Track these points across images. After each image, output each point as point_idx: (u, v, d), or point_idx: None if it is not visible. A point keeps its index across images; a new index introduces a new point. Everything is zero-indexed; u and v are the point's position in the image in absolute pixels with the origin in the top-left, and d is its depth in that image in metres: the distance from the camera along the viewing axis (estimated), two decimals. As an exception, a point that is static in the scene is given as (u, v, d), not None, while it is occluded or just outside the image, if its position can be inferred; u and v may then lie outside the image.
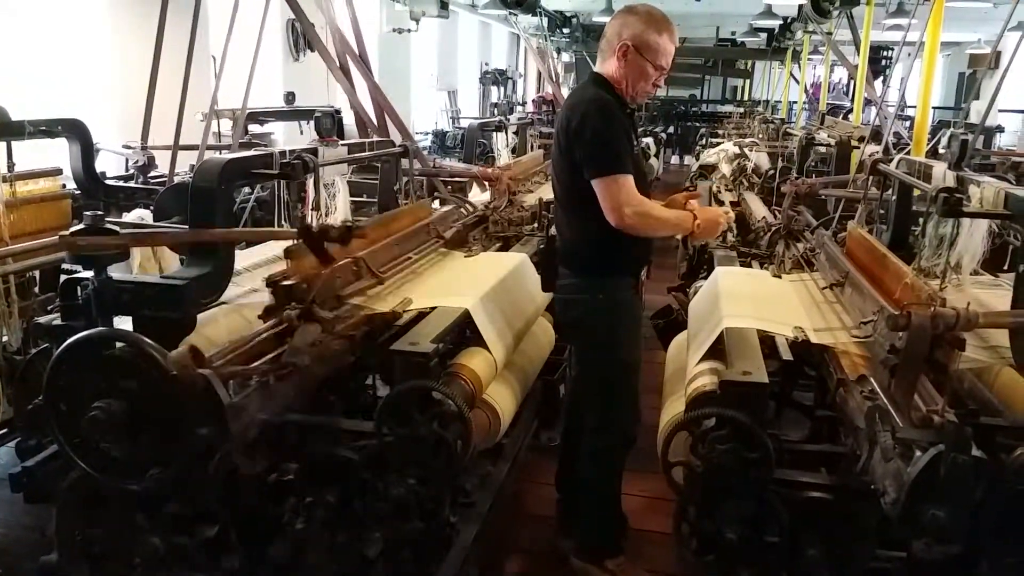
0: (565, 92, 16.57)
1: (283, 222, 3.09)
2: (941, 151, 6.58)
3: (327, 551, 2.29)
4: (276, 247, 2.96)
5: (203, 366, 1.78)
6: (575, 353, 2.83)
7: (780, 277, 2.91)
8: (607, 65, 2.57)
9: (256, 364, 1.95)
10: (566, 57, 18.45)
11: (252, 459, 2.03)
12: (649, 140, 10.08)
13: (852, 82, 14.34)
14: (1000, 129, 7.93)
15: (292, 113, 5.78)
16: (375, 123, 5.05)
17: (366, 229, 2.60)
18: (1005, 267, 2.48)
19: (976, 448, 1.49)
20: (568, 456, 2.99)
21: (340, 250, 2.27)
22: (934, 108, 6.69)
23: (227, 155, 2.42)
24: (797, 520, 1.90)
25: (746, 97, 18.52)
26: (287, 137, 6.81)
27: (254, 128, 5.55)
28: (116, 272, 2.03)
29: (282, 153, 2.46)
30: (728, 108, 11.24)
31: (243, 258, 2.68)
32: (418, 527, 2.05)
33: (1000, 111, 5.29)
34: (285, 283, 2.16)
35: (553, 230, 2.76)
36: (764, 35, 13.97)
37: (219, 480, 2.02)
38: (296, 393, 2.12)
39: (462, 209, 3.85)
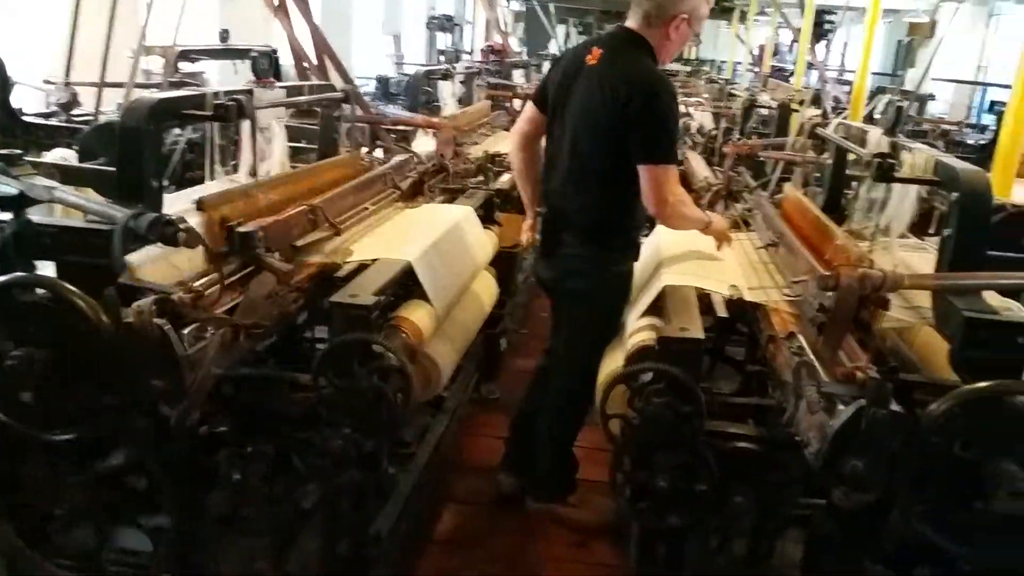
0: (514, 42, 16.41)
1: (215, 166, 3.01)
2: (877, 116, 6.75)
3: (263, 503, 2.29)
4: (207, 192, 2.89)
5: (163, 316, 1.74)
6: (567, 317, 2.80)
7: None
8: (652, 31, 2.51)
9: (214, 314, 1.92)
10: (516, 5, 18.20)
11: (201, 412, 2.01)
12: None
13: (796, 45, 14.50)
14: (932, 97, 8.14)
15: (226, 52, 5.57)
16: (315, 66, 4.92)
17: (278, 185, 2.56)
18: (931, 231, 2.58)
19: (895, 403, 1.56)
20: (532, 406, 3.01)
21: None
22: (873, 74, 6.81)
23: (157, 94, 2.33)
24: (726, 469, 1.98)
25: (693, 56, 18.58)
26: (221, 78, 6.58)
27: (185, 67, 5.34)
28: (37, 215, 1.96)
29: (215, 94, 2.38)
30: (675, 67, 11.27)
31: (170, 202, 2.60)
32: (356, 478, 2.06)
33: (933, 79, 5.41)
34: (241, 229, 2.12)
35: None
36: (712, -7, 13.94)
37: (152, 432, 2.00)
38: (249, 346, 2.09)
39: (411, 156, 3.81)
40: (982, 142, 6.17)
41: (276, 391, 2.19)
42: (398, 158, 3.55)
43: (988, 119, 8.41)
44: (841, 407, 1.55)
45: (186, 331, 1.82)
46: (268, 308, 2.11)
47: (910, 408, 1.65)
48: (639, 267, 2.87)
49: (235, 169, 2.96)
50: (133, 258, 2.13)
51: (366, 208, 2.88)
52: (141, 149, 2.05)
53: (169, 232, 1.86)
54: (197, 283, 1.96)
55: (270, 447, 2.22)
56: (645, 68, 2.49)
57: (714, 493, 1.96)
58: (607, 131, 2.48)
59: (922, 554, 1.78)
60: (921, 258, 2.36)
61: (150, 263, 2.28)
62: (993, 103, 8.39)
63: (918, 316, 2.05)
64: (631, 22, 2.56)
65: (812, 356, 1.78)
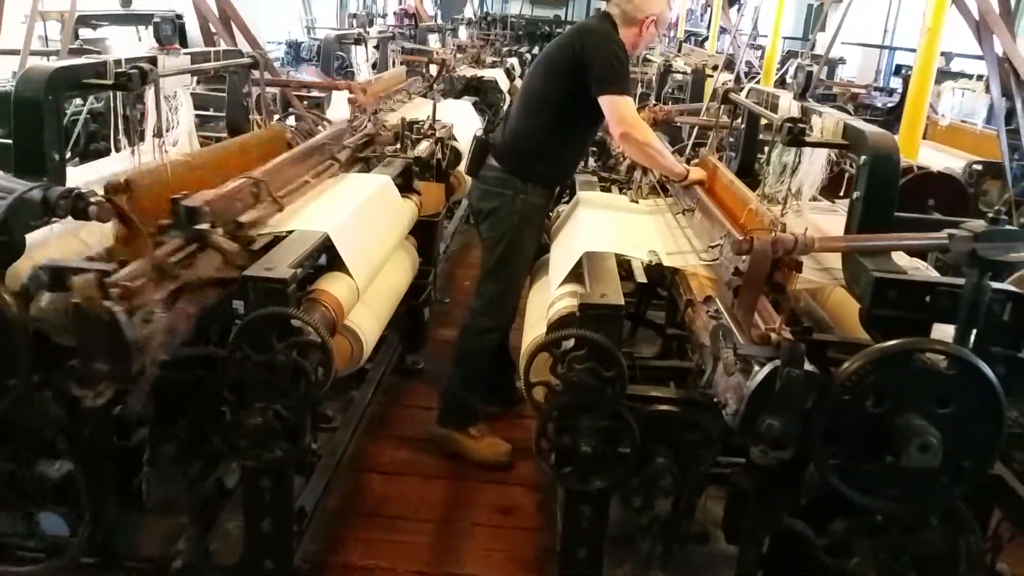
0: (428, 6, 16.10)
1: (120, 137, 2.86)
2: (789, 80, 6.91)
3: (182, 483, 2.23)
4: (113, 164, 2.75)
5: (108, 297, 1.65)
6: (483, 238, 3.06)
7: (637, 202, 3.00)
8: (624, 24, 2.88)
9: (163, 299, 1.82)
10: (428, -32, 17.82)
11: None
12: (514, 60, 9.98)
13: (709, 9, 14.67)
14: (842, 61, 8.36)
15: (128, 17, 5.30)
16: (221, 28, 4.71)
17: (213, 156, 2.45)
18: (841, 193, 2.65)
19: (808, 362, 1.61)
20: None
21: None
22: (784, 38, 6.96)
23: (55, 62, 2.19)
24: (647, 432, 2.01)
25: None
26: (123, 46, 6.25)
27: (85, 33, 5.06)
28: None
29: (117, 62, 2.25)
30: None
31: (76, 175, 2.47)
32: (277, 455, 2.01)
33: (843, 43, 5.57)
34: (187, 203, 2.01)
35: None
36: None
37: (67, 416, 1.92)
38: (191, 326, 1.99)
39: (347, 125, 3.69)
40: (890, 104, 6.38)
41: (192, 369, 2.11)
42: (333, 129, 3.45)
43: (896, 82, 8.70)
44: (756, 368, 1.59)
45: (136, 315, 1.72)
46: (212, 289, 2.02)
47: (824, 367, 1.71)
48: (557, 233, 2.90)
49: (141, 139, 2.82)
50: (37, 235, 2.02)
51: (307, 182, 2.78)
52: (40, 120, 1.93)
53: (81, 206, 1.75)
54: (135, 264, 1.84)
55: (188, 426, 2.17)
56: (602, 27, 2.88)
57: (636, 455, 1.99)
58: (562, 69, 2.83)
59: (837, 507, 1.85)
60: (832, 220, 2.43)
61: (56, 240, 2.17)
62: (899, 67, 8.69)
63: (830, 277, 2.11)
64: (609, 9, 2.94)
65: (728, 319, 1.82)
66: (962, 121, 4.69)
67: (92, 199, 1.82)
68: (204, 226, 2.05)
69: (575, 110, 2.85)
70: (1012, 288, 1.70)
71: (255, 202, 2.39)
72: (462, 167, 3.61)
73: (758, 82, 5.33)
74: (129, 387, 1.80)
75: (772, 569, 2.02)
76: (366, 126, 3.80)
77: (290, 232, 2.34)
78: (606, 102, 2.71)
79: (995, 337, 1.70)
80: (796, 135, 2.05)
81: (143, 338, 1.71)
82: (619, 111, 2.70)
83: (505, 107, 3.21)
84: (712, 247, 2.21)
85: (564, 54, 2.84)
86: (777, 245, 1.69)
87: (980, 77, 4.25)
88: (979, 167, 3.47)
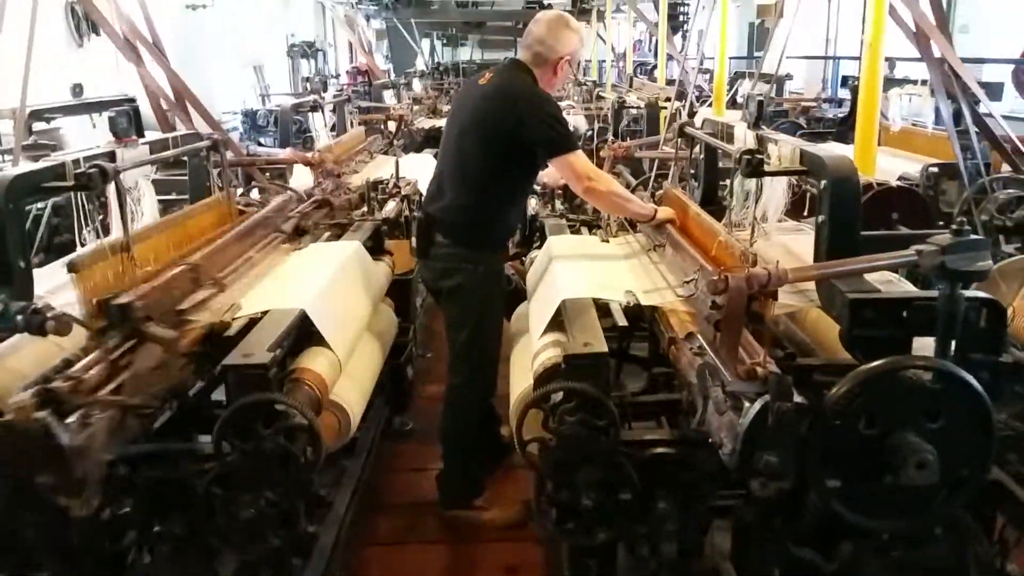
0: (379, 60, 16.28)
1: (84, 234, 2.84)
2: (740, 100, 7.04)
3: (179, 579, 2.17)
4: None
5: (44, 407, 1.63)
6: (446, 316, 2.99)
7: (608, 241, 3.01)
8: (539, 69, 2.83)
9: (99, 396, 1.79)
10: (376, 24, 18.04)
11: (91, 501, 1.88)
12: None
13: (653, 39, 14.95)
14: (789, 77, 8.54)
15: (82, 107, 5.27)
16: (177, 109, 4.71)
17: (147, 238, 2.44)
18: (805, 212, 2.70)
19: (797, 392, 1.61)
20: None
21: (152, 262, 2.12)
22: (730, 58, 7.11)
23: (12, 170, 2.18)
24: (646, 476, 2.00)
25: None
26: (78, 132, 6.22)
27: (38, 126, 5.02)
28: None
29: (76, 162, 2.24)
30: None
31: (44, 276, 2.44)
32: (275, 544, 1.97)
33: (788, 58, 5.68)
34: (117, 302, 1.99)
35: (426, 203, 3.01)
36: (569, -3, 14.29)
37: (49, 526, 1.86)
38: (141, 424, 1.97)
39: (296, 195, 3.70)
40: (841, 115, 6.52)
41: (178, 464, 2.07)
42: (277, 199, 3.45)
43: (844, 91, 8.90)
44: (747, 405, 1.59)
45: (71, 419, 1.70)
46: (158, 380, 2.00)
47: (813, 391, 1.72)
48: (533, 281, 2.90)
49: (106, 232, 2.80)
50: (10, 341, 1.99)
51: (250, 258, 2.77)
52: (3, 230, 1.91)
53: (36, 321, 1.73)
54: (76, 366, 1.83)
55: (179, 524, 2.12)
56: (522, 83, 2.80)
57: (638, 502, 1.98)
58: (493, 137, 2.75)
59: (844, 531, 1.84)
60: (801, 240, 2.46)
61: (29, 343, 2.13)
62: (845, 78, 8.89)
63: (806, 300, 2.13)
64: (521, 56, 2.89)
65: (713, 356, 1.82)
66: (912, 124, 4.80)
67: (49, 313, 1.80)
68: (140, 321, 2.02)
69: (519, 177, 2.88)
70: (985, 295, 1.72)
71: (194, 287, 2.37)
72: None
73: (710, 106, 5.42)
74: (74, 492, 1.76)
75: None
76: (326, 192, 3.81)
77: (265, 312, 2.33)
78: (560, 164, 2.70)
79: (975, 344, 1.72)
80: (755, 166, 2.08)
81: (80, 444, 1.68)
82: (576, 169, 2.69)
83: (436, 177, 3.02)
84: (687, 282, 2.23)
85: (498, 129, 2.73)
86: (752, 281, 1.70)
87: (924, 82, 4.36)
88: (935, 169, 3.55)
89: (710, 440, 1.73)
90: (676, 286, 2.34)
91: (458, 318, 2.91)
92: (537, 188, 4.17)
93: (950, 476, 1.66)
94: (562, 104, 6.39)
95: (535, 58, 2.83)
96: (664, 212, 2.78)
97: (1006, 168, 3.38)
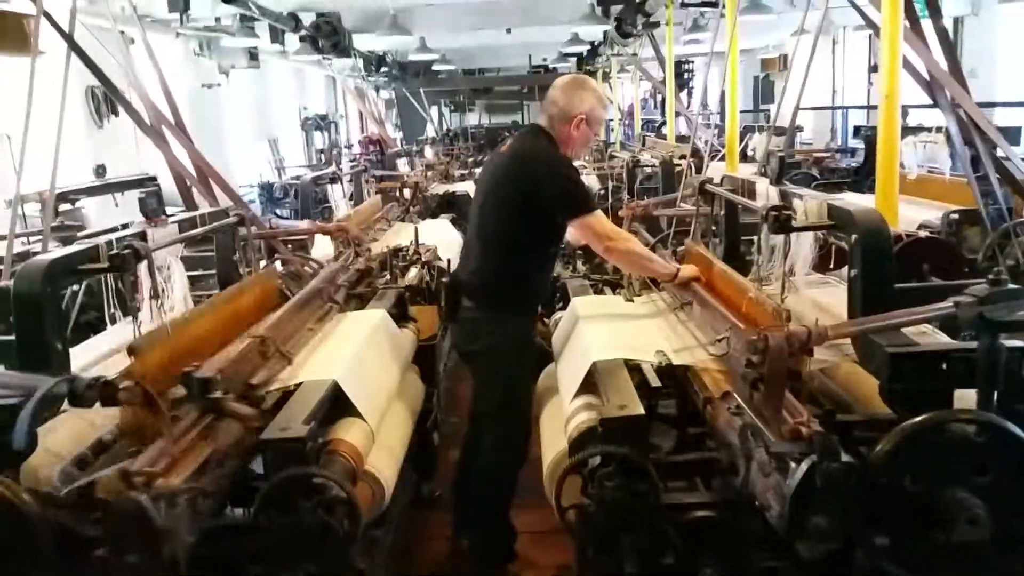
0: (390, 129, 16.61)
1: (115, 311, 2.87)
2: (750, 153, 7.11)
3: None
4: (108, 339, 2.75)
5: (133, 488, 1.63)
6: (477, 379, 2.98)
7: (632, 300, 3.02)
8: (556, 128, 2.83)
9: (188, 479, 1.79)
10: (385, 95, 18.45)
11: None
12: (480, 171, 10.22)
13: (658, 96, 15.19)
14: (800, 129, 8.63)
15: (106, 187, 5.39)
16: (200, 187, 4.82)
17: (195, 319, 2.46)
18: (831, 265, 2.70)
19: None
20: (466, 481, 3.12)
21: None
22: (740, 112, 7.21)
23: (49, 255, 2.22)
24: (687, 539, 1.96)
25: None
26: (99, 210, 6.34)
27: (63, 206, 5.13)
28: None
29: (109, 244, 2.29)
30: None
31: (77, 357, 2.46)
32: (316, 620, 1.94)
33: (796, 108, 5.77)
34: (199, 375, 2.00)
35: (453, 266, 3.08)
36: (574, 59, 14.63)
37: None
38: (217, 503, 1.96)
39: (307, 266, 3.74)
40: (854, 164, 6.56)
41: (216, 537, 2.05)
42: (328, 269, 3.50)
43: (853, 142, 8.99)
44: (793, 466, 1.57)
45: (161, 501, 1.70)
46: (235, 459, 2.00)
47: (852, 448, 1.70)
48: (559, 342, 2.90)
49: (134, 313, 2.83)
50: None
51: (311, 328, 2.80)
52: (40, 313, 1.94)
53: (109, 392, 1.75)
54: (155, 447, 1.83)
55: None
56: (539, 146, 2.83)
57: (681, 567, 1.94)
58: (510, 201, 2.77)
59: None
60: (829, 293, 2.46)
61: (60, 425, 2.14)
62: (857, 128, 8.97)
63: (840, 354, 2.12)
64: (540, 121, 2.91)
65: (753, 416, 1.81)
66: (928, 171, 4.83)
67: (121, 385, 1.81)
68: (217, 395, 2.03)
69: (540, 239, 2.85)
70: (1025, 344, 1.71)
71: (264, 361, 2.39)
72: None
73: (721, 159, 5.47)
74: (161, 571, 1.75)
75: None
76: (357, 261, 3.85)
77: (298, 385, 2.34)
78: (580, 226, 2.72)
79: (1018, 395, 1.70)
80: (783, 222, 2.10)
81: (170, 523, 1.68)
82: (595, 230, 2.70)
83: (464, 244, 3.07)
84: (719, 340, 2.22)
85: (515, 192, 2.76)
86: (792, 339, 1.70)
87: (939, 129, 4.40)
88: (956, 215, 3.55)
89: (756, 503, 1.70)
90: (707, 344, 2.33)
91: (486, 380, 2.91)
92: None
93: (1001, 531, 1.63)
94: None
95: (551, 120, 2.85)
96: (688, 270, 2.78)
97: (1028, 212, 3.39)
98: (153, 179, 5.04)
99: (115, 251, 2.23)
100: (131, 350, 2.07)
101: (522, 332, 2.90)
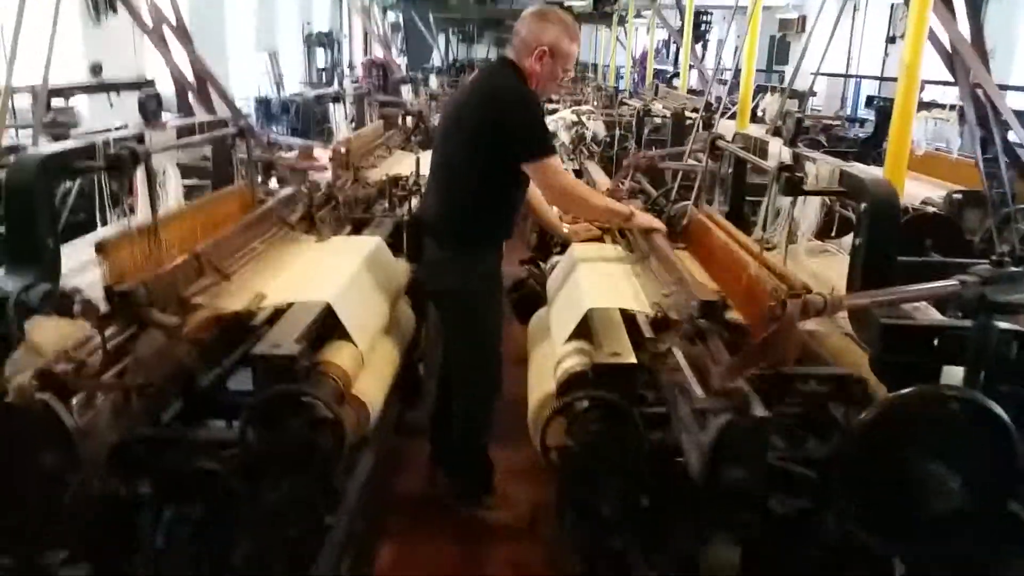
0: (394, 54, 16.26)
1: (108, 213, 2.84)
2: (760, 113, 7.03)
3: (190, 563, 2.18)
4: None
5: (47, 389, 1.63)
6: (444, 320, 2.97)
7: (632, 251, 3.01)
8: (522, 61, 2.72)
9: (102, 379, 1.81)
10: (392, 17, 18.03)
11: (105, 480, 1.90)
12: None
13: (673, 46, 14.92)
14: (814, 93, 8.53)
15: (102, 87, 5.27)
16: (200, 95, 4.72)
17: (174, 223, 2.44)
18: (832, 234, 2.70)
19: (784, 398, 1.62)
20: (442, 416, 3.18)
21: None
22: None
23: (44, 149, 2.18)
24: (664, 488, 1.99)
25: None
26: (91, 110, 6.20)
27: (56, 103, 5.02)
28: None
29: (106, 143, 2.24)
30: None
31: (69, 255, 2.44)
32: (293, 534, 1.98)
33: (811, 74, 5.68)
34: (120, 289, 2.00)
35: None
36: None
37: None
38: (146, 406, 1.98)
39: (302, 188, 3.69)
40: (862, 136, 6.51)
41: (198, 449, 2.07)
42: (283, 192, 3.45)
43: (863, 112, 8.89)
44: (711, 422, 1.59)
45: (74, 400, 1.73)
46: (161, 365, 2.01)
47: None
48: (555, 287, 2.90)
49: (126, 214, 2.80)
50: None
51: (254, 248, 2.76)
52: (33, 208, 1.91)
53: (65, 305, 1.74)
54: (78, 349, 1.85)
55: (196, 507, 2.12)
56: (509, 81, 2.72)
57: (655, 510, 1.98)
58: (473, 136, 2.68)
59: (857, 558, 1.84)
60: (828, 261, 2.46)
61: (49, 322, 2.14)
62: (870, 98, 8.87)
63: (831, 324, 2.13)
64: (509, 53, 2.81)
65: (688, 372, 1.82)
66: (936, 149, 4.80)
67: (76, 298, 1.81)
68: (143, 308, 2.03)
69: (505, 172, 2.72)
70: (1018, 327, 1.72)
71: (198, 275, 2.37)
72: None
73: (731, 118, 5.41)
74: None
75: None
76: (345, 185, 3.81)
77: (290, 305, 2.33)
78: (534, 169, 2.65)
79: (1004, 376, 1.72)
80: (795, 184, 2.08)
81: (84, 426, 1.70)
82: (548, 177, 2.66)
83: (427, 181, 3.02)
84: (666, 296, 2.22)
85: (479, 123, 2.67)
86: (808, 307, 1.70)
87: (952, 107, 4.36)
88: (959, 196, 3.55)
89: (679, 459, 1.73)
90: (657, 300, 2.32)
91: (453, 320, 2.91)
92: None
93: (972, 505, 1.67)
94: (582, 109, 6.39)
95: (515, 52, 2.75)
96: (644, 217, 2.79)
97: (1031, 199, 3.38)
98: (151, 83, 4.93)
99: (113, 151, 2.19)
100: (99, 247, 2.07)
101: (487, 270, 2.86)
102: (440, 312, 2.98)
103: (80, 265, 2.46)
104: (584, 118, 5.82)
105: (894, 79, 2.91)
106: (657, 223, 2.85)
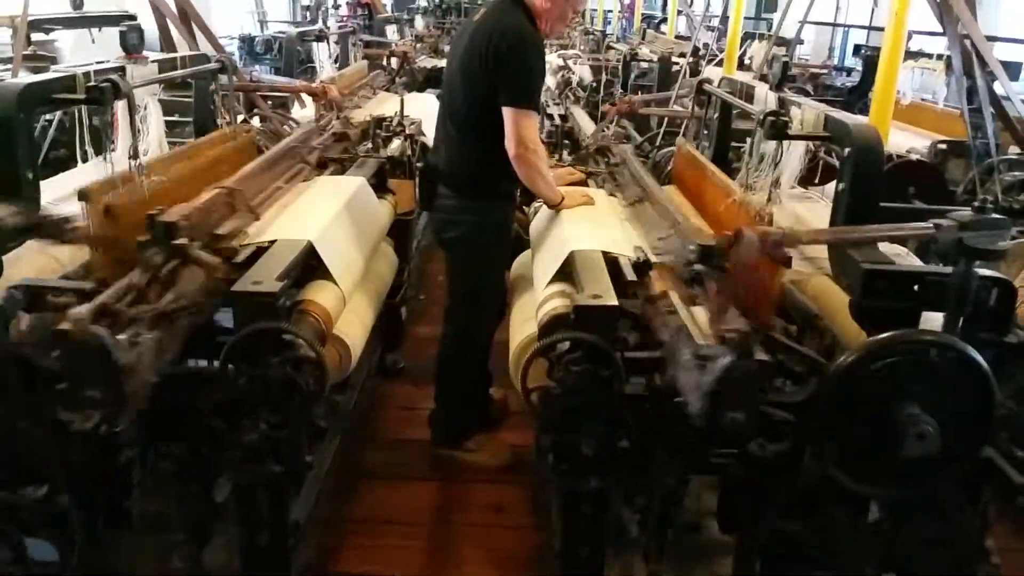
0: (380, -6, 15.87)
1: (88, 149, 2.79)
2: (747, 61, 6.96)
3: (173, 501, 2.19)
4: (83, 175, 2.68)
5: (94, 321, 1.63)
6: (449, 266, 2.96)
7: (615, 196, 3.00)
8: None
9: (150, 321, 1.79)
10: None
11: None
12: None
13: (662, -10, 14.67)
14: (801, 42, 8.44)
15: (84, 20, 5.13)
16: (183, 30, 4.60)
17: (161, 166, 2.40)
18: (816, 181, 2.70)
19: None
20: None
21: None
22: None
23: (23, 79, 2.13)
24: (645, 430, 2.02)
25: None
26: (74, 46, 6.03)
27: (36, 36, 4.88)
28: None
29: (87, 75, 2.19)
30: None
31: (48, 189, 2.40)
32: (274, 470, 1.99)
33: (799, 22, 5.62)
34: (166, 219, 1.98)
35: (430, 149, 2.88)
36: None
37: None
38: (178, 347, 1.96)
39: (287, 125, 3.65)
40: (850, 84, 6.47)
41: (181, 386, 2.07)
42: (300, 130, 3.42)
43: (851, 61, 8.81)
44: (712, 364, 1.60)
45: (123, 336, 1.70)
46: (199, 307, 1.99)
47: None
48: (538, 231, 2.89)
49: (106, 149, 2.75)
50: (11, 254, 1.97)
51: (279, 187, 2.74)
52: (12, 139, 1.88)
53: (62, 229, 1.72)
54: (120, 283, 1.83)
55: (179, 445, 2.13)
56: (515, 21, 2.61)
57: (635, 451, 2.00)
58: (478, 80, 2.61)
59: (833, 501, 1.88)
60: (811, 208, 2.47)
61: (26, 256, 2.11)
62: (857, 46, 8.78)
63: (814, 267, 2.14)
64: None
65: (686, 315, 1.83)
66: (922, 99, 4.78)
67: (70, 224, 1.78)
68: (182, 241, 2.01)
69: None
70: (998, 275, 1.74)
71: (231, 212, 2.36)
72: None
73: (718, 65, 5.36)
74: (119, 410, 1.77)
75: (769, 558, 2.05)
76: (334, 125, 3.76)
77: (272, 242, 2.31)
78: (509, 115, 2.56)
79: (982, 323, 1.74)
80: (779, 128, 2.07)
81: (132, 361, 1.68)
82: (520, 131, 2.56)
83: (438, 125, 2.91)
84: (661, 239, 2.22)
85: (479, 68, 2.59)
86: (766, 239, 1.70)
87: (940, 57, 4.33)
88: (943, 146, 3.55)
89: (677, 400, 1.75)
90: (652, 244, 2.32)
91: (459, 268, 2.90)
92: (542, 136, 4.14)
93: (948, 449, 1.70)
94: (568, 53, 6.30)
95: None
96: (572, 199, 2.74)
97: (1014, 150, 3.39)
98: (132, 16, 4.79)
99: (93, 83, 2.14)
100: (82, 195, 2.03)
101: (502, 220, 2.85)
102: (449, 257, 2.95)
103: (57, 200, 2.43)
104: (571, 62, 5.74)
105: (882, 29, 2.87)
106: (582, 199, 2.79)
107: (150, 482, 2.16)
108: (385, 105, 4.74)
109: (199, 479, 2.23)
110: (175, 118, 3.60)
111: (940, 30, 3.52)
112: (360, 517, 2.79)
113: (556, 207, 2.73)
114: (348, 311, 2.46)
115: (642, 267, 2.28)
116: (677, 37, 7.83)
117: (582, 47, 7.38)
